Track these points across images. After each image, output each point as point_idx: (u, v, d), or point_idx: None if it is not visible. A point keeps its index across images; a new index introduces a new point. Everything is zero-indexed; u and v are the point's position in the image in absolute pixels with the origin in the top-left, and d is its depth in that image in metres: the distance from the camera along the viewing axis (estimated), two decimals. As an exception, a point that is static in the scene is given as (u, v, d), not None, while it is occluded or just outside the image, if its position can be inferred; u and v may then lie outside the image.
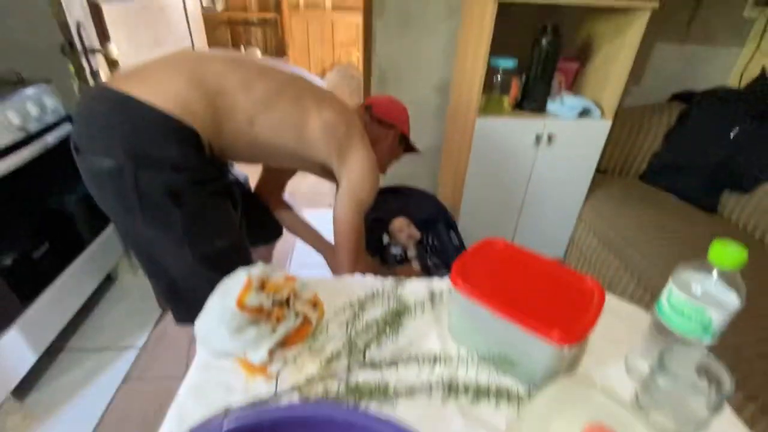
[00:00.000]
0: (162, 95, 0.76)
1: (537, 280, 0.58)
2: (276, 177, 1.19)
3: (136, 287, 1.73)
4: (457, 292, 0.56)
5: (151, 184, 0.77)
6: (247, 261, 0.95)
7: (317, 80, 1.00)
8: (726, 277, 0.47)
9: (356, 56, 3.70)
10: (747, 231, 1.56)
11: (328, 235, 1.26)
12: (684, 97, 1.91)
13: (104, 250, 1.59)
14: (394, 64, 1.83)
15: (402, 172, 2.09)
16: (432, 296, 0.70)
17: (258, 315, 0.56)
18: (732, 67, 1.94)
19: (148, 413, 1.25)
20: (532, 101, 1.61)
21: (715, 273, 0.47)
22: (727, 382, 0.42)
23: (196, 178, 0.81)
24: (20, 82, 1.32)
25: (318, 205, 2.51)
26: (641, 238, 1.49)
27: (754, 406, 0.99)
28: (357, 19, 3.48)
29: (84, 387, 1.32)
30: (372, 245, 1.53)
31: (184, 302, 0.96)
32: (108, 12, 1.24)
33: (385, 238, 1.63)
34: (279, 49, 3.56)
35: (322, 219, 2.38)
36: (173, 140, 0.76)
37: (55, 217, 1.38)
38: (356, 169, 0.95)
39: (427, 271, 1.49)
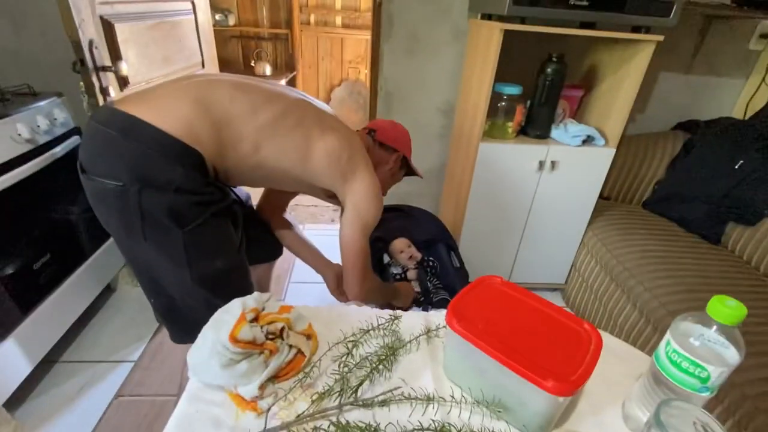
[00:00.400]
0: (169, 119, 0.77)
1: (534, 321, 0.58)
2: (278, 197, 1.19)
3: (135, 298, 1.73)
4: (453, 332, 0.55)
5: (154, 205, 0.78)
6: (246, 282, 0.96)
7: (321, 104, 1.01)
8: (725, 331, 0.46)
9: (364, 73, 3.74)
10: (752, 264, 1.54)
11: (329, 252, 1.26)
12: (688, 127, 1.91)
13: (106, 260, 1.59)
14: (400, 86, 1.85)
15: (405, 191, 2.10)
16: (428, 331, 0.69)
17: (251, 348, 0.56)
18: (737, 97, 1.95)
19: (140, 427, 1.23)
20: (536, 128, 1.61)
21: (714, 327, 0.46)
22: (725, 442, 0.41)
23: (199, 200, 0.81)
24: (32, 95, 1.35)
25: (319, 220, 2.52)
26: (643, 269, 1.48)
27: None
28: (366, 36, 3.53)
29: (76, 400, 1.31)
30: (372, 264, 1.53)
31: (181, 322, 0.96)
32: (120, 30, 1.26)
33: (386, 258, 1.62)
34: (289, 65, 3.61)
35: (323, 235, 2.38)
36: (179, 163, 0.77)
37: (58, 227, 1.38)
38: (360, 194, 0.96)
39: (426, 293, 1.47)
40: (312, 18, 3.50)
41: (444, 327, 0.67)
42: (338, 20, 3.53)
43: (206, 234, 0.85)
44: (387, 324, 0.68)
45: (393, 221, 1.71)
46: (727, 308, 0.45)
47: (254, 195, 1.20)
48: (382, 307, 1.35)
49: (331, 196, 1.01)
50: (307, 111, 0.93)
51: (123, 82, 1.27)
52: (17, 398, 1.27)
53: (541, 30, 1.34)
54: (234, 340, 0.54)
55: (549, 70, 1.50)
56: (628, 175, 1.91)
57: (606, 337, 0.70)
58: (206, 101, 0.81)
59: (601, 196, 1.85)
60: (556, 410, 0.51)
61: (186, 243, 0.82)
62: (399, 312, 0.71)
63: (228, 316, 0.57)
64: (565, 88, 1.60)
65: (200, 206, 0.82)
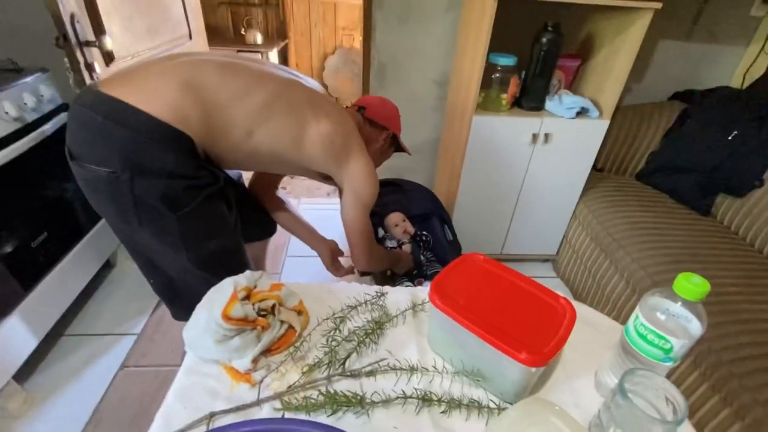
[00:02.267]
0: (158, 103, 0.76)
1: (512, 296, 0.60)
2: (270, 176, 1.20)
3: (135, 273, 1.74)
4: (436, 308, 0.58)
5: (147, 191, 0.78)
6: (241, 260, 0.98)
7: (312, 83, 1.00)
8: (689, 306, 0.49)
9: (359, 40, 3.64)
10: (738, 234, 1.57)
11: (326, 226, 1.29)
12: (685, 97, 1.89)
13: (103, 236, 1.61)
14: (393, 56, 1.81)
15: (400, 166, 2.10)
16: (414, 306, 0.72)
17: (243, 324, 0.58)
18: (736, 66, 1.91)
19: (144, 398, 1.30)
20: (531, 99, 1.60)
21: (679, 302, 0.49)
22: (683, 408, 0.45)
23: (192, 184, 0.82)
24: (17, 71, 1.32)
25: (315, 194, 2.53)
26: (632, 240, 1.51)
27: (740, 425, 1.00)
28: (360, 2, 3.41)
29: (83, 372, 1.37)
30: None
31: (180, 301, 0.99)
32: (102, 2, 1.22)
33: (380, 232, 1.65)
34: (280, 32, 3.50)
35: (319, 209, 2.40)
36: (170, 149, 0.77)
37: (54, 204, 1.40)
38: (357, 176, 0.97)
39: (419, 266, 1.51)
40: (303, -18, 3.37)
41: (428, 302, 0.70)
42: (331, -15, 3.40)
43: (200, 217, 0.86)
44: (374, 300, 0.70)
45: (388, 196, 1.72)
46: (691, 285, 0.47)
47: (246, 173, 1.20)
48: (385, 273, 1.37)
49: (327, 178, 1.02)
50: (299, 92, 0.92)
51: (108, 57, 1.24)
52: (26, 371, 1.33)
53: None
54: (226, 317, 0.56)
55: (544, 39, 1.47)
56: (622, 146, 1.90)
57: (583, 309, 0.74)
58: (195, 84, 0.80)
59: (594, 168, 1.86)
60: (530, 379, 0.55)
61: (181, 227, 0.83)
62: (386, 288, 0.74)
63: (220, 294, 0.60)
64: (561, 58, 1.57)
65: (193, 190, 0.83)
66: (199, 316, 0.59)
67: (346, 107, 1.13)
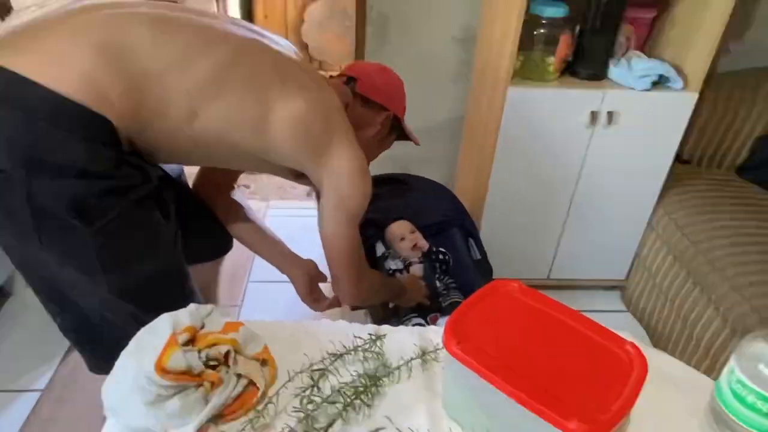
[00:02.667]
0: (63, 74, 0.75)
1: (560, 342, 0.61)
2: (222, 171, 1.20)
3: (40, 305, 1.78)
4: (452, 358, 0.58)
5: (50, 196, 0.77)
6: (183, 289, 0.99)
7: (282, 43, 1.01)
8: (805, 356, 0.49)
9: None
10: None
11: (303, 239, 1.30)
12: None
13: (-5, 255, 1.63)
14: (397, 5, 1.84)
15: (406, 155, 2.11)
16: (423, 353, 0.72)
17: (185, 380, 0.59)
18: None
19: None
20: (588, 65, 1.62)
21: (791, 350, 0.49)
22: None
23: (111, 185, 0.82)
24: None
25: (289, 195, 2.54)
26: (732, 259, 1.51)
27: None
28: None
29: (-33, 442, 1.38)
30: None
31: (99, 345, 0.99)
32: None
33: (380, 248, 1.66)
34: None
35: (294, 216, 2.41)
36: (79, 136, 0.76)
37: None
38: (341, 174, 0.97)
39: (435, 296, 1.51)
40: None
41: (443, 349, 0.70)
42: None
43: (124, 230, 0.85)
44: (368, 345, 0.71)
45: (389, 198, 1.74)
46: (807, 326, 0.47)
47: (189, 168, 1.21)
48: (386, 305, 1.37)
49: (301, 176, 1.03)
50: (262, 57, 0.92)
51: (3, 8, 1.27)
52: None
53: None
54: (162, 370, 0.57)
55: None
56: (717, 129, 1.92)
57: (660, 358, 0.74)
58: (117, 47, 0.79)
59: (678, 160, 1.87)
60: (584, 457, 0.55)
61: (98, 244, 0.83)
62: (385, 328, 0.75)
63: (154, 337, 0.61)
64: (629, 7, 1.60)
65: (113, 194, 0.82)
66: (124, 367, 0.60)
67: (331, 77, 1.14)
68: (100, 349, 0.99)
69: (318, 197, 1.02)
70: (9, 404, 1.48)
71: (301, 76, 0.95)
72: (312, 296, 1.26)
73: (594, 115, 1.61)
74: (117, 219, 0.83)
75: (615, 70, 1.63)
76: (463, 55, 1.93)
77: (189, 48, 0.85)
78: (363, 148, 1.03)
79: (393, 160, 2.10)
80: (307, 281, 1.25)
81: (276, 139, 0.91)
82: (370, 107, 1.13)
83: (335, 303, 1.27)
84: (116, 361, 0.62)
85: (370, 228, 1.62)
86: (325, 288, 1.29)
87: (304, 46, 3.86)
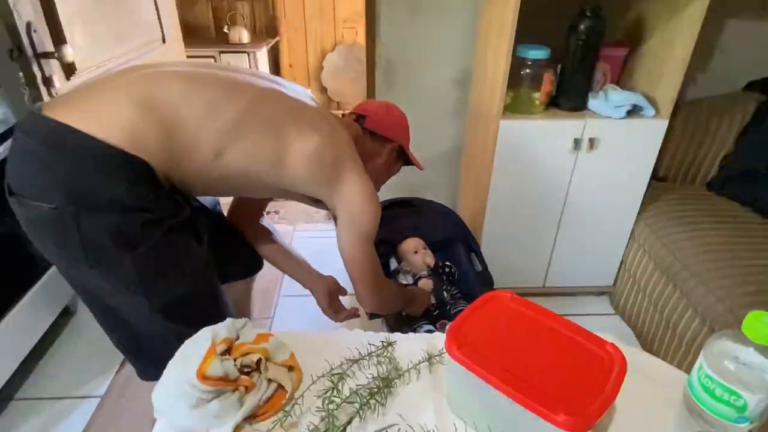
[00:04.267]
0: (106, 125, 0.78)
1: (549, 344, 0.61)
2: (251, 201, 1.22)
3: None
4: (454, 361, 0.59)
5: (96, 229, 0.79)
6: (218, 305, 1.00)
7: (297, 90, 1.04)
8: (765, 352, 0.49)
9: (363, 35, 3.75)
10: (844, 256, 1.54)
11: (327, 258, 1.29)
12: (763, 86, 1.89)
13: (61, 279, 1.66)
14: (403, 53, 1.87)
15: (414, 181, 2.13)
16: (431, 357, 0.73)
17: (223, 385, 0.60)
18: (825, 47, 1.91)
19: (109, 476, 1.31)
20: (570, 98, 1.63)
21: (751, 347, 0.49)
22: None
23: (150, 218, 0.83)
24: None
25: (314, 219, 2.56)
26: (707, 265, 1.49)
27: None
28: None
29: (35, 443, 1.39)
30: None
31: (147, 357, 1.00)
32: (63, 7, 1.31)
33: (393, 263, 1.66)
34: (270, 29, 3.64)
35: (319, 237, 2.42)
36: (121, 177, 0.79)
37: (3, 242, 1.45)
38: (352, 201, 0.98)
39: (442, 305, 1.51)
40: (295, -31, 3.53)
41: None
42: (328, -29, 3.55)
43: (162, 255, 0.87)
44: (381, 351, 0.72)
45: (400, 219, 1.75)
46: (764, 325, 0.47)
47: (224, 199, 1.23)
48: (399, 315, 1.35)
49: (318, 201, 1.05)
50: (279, 103, 0.95)
51: (69, 69, 1.32)
52: (-31, 443, 1.36)
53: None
54: (203, 377, 0.58)
55: (582, 27, 1.51)
56: (687, 150, 1.90)
57: (640, 357, 0.74)
58: (152, 100, 0.82)
59: (655, 177, 1.85)
60: (573, 447, 0.54)
61: (139, 268, 0.84)
62: (395, 336, 0.75)
63: (195, 348, 0.62)
64: (604, 47, 1.60)
65: (151, 225, 0.83)
66: (170, 375, 0.61)
67: (343, 115, 1.16)
68: (149, 360, 1.00)
69: (335, 221, 1.04)
70: (74, 409, 1.49)
71: (314, 117, 0.97)
72: (332, 308, 1.26)
73: (577, 142, 1.61)
74: (155, 246, 0.85)
75: (594, 102, 1.63)
76: (460, 93, 1.95)
77: (214, 98, 0.87)
78: (372, 175, 1.05)
79: (404, 186, 2.12)
80: (327, 295, 1.25)
81: (293, 172, 0.93)
82: (378, 140, 1.15)
83: (353, 314, 1.27)
84: (164, 370, 0.64)
85: (384, 246, 1.63)
86: (347, 301, 1.30)
87: (323, 90, 3.92)
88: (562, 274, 1.91)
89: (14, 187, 0.82)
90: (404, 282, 1.57)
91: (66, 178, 0.77)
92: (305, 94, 1.05)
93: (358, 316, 1.29)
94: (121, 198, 0.79)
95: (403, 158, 1.25)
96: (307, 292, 1.30)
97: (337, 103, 3.99)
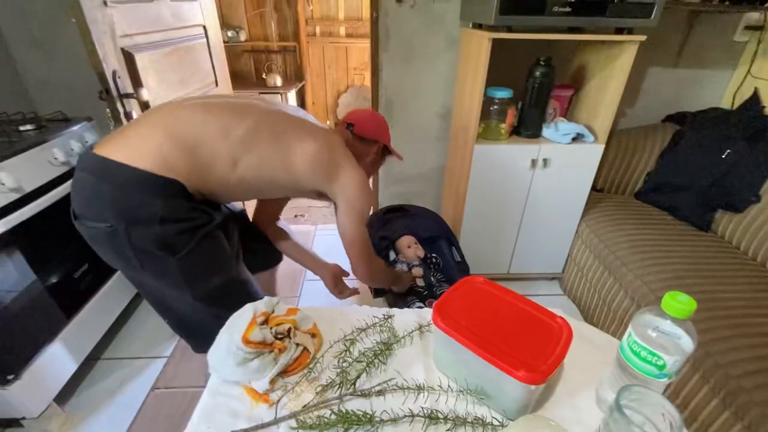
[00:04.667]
0: (140, 154, 0.78)
1: (511, 316, 0.61)
2: (270, 207, 1.21)
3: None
4: (438, 329, 0.59)
5: (143, 239, 0.79)
6: (248, 290, 0.98)
7: (296, 110, 1.01)
8: (679, 324, 0.49)
9: (369, 79, 3.76)
10: (740, 249, 1.53)
11: (339, 251, 1.28)
12: (677, 118, 1.89)
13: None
14: (399, 92, 1.87)
15: (408, 191, 2.13)
16: (420, 327, 0.72)
17: (261, 347, 0.60)
18: (725, 88, 1.91)
19: (174, 418, 1.30)
20: (528, 128, 1.62)
21: (668, 320, 0.49)
22: (678, 422, 0.44)
23: (185, 227, 0.82)
24: (65, 121, 1.42)
25: (331, 221, 2.56)
26: (634, 257, 1.48)
27: (741, 426, 0.98)
28: (368, 45, 3.55)
29: (117, 393, 1.39)
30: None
31: (195, 336, 0.99)
32: (140, 59, 1.32)
33: (391, 255, 1.66)
34: (298, 75, 3.65)
35: (336, 236, 2.40)
36: (158, 195, 0.78)
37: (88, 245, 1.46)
38: (349, 188, 0.96)
39: (430, 288, 1.51)
40: (317, 29, 3.53)
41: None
42: (342, 30, 3.55)
43: (199, 255, 0.85)
44: (382, 322, 0.71)
45: (397, 220, 1.74)
46: (678, 303, 0.47)
47: (248, 207, 1.22)
48: (398, 296, 1.31)
49: (322, 195, 1.02)
50: (281, 120, 0.93)
51: (145, 106, 1.33)
52: (66, 393, 1.35)
53: (527, 37, 1.35)
54: (246, 341, 0.58)
55: (537, 73, 1.51)
56: (619, 167, 1.90)
57: (583, 327, 0.73)
58: (176, 129, 0.82)
59: (594, 189, 1.85)
60: (531, 396, 0.54)
61: (181, 268, 0.84)
62: (393, 310, 0.75)
63: (240, 320, 0.62)
64: (554, 88, 1.60)
65: (188, 233, 0.82)
66: (221, 340, 0.61)
67: (336, 124, 1.13)
68: (197, 338, 1.00)
69: (336, 210, 1.01)
70: (146, 366, 1.50)
71: (310, 127, 0.96)
72: (337, 288, 1.24)
73: (534, 161, 1.61)
74: (193, 249, 0.84)
75: (547, 131, 1.63)
76: (443, 124, 1.95)
77: (226, 121, 0.86)
78: (364, 169, 1.03)
79: (399, 195, 2.12)
80: (332, 277, 1.24)
81: (299, 171, 0.91)
82: (365, 142, 1.11)
83: (354, 292, 1.26)
84: (211, 344, 0.63)
85: (384, 241, 1.63)
86: (349, 283, 1.29)
87: (338, 122, 3.92)
88: (522, 263, 1.90)
89: (77, 212, 0.82)
90: (401, 268, 1.57)
91: (114, 202, 0.77)
92: (304, 113, 1.02)
93: (358, 293, 1.27)
94: (158, 212, 0.78)
95: (387, 153, 1.21)
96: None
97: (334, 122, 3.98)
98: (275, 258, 1.29)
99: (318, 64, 3.67)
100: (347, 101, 3.82)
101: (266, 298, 0.68)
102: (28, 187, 1.17)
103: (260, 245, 1.19)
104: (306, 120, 0.98)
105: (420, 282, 1.53)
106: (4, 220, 1.09)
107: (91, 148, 0.81)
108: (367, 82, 3.77)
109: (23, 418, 1.19)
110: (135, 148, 0.79)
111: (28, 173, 1.18)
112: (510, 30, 1.36)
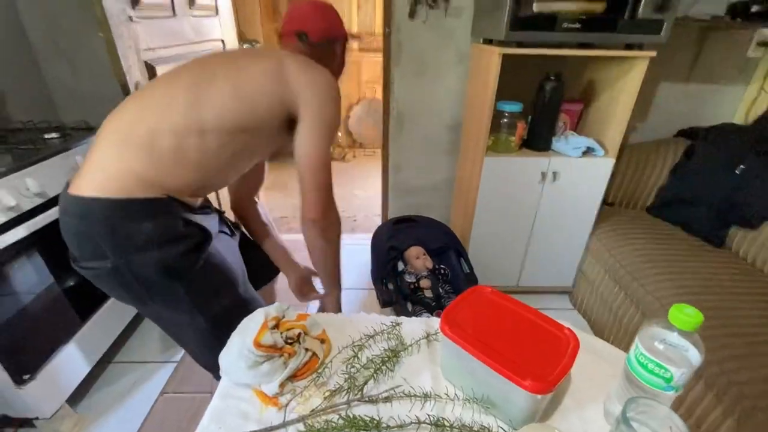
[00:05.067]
0: (109, 180, 0.71)
1: (518, 327, 0.61)
2: (246, 183, 1.09)
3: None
4: (446, 338, 0.59)
5: (146, 268, 0.74)
6: (255, 304, 0.92)
7: (238, 49, 0.97)
8: (686, 336, 0.49)
9: (380, 92, 3.82)
10: (755, 266, 1.50)
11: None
12: (689, 134, 1.88)
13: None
14: (410, 106, 1.90)
15: (417, 203, 2.15)
16: (428, 335, 0.73)
17: (272, 351, 0.61)
18: (738, 104, 1.90)
19: (182, 422, 1.32)
20: (538, 141, 1.63)
21: (675, 332, 0.49)
22: (685, 435, 0.44)
23: (186, 248, 0.77)
24: (88, 129, 1.47)
25: (367, 229, 2.55)
26: (646, 272, 1.46)
27: None
28: (380, 59, 3.61)
29: (127, 396, 1.41)
30: (387, 271, 1.58)
31: (216, 369, 0.96)
32: (161, 71, 1.37)
33: (400, 266, 1.67)
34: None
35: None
36: (145, 219, 0.72)
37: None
38: (311, 91, 0.81)
39: (438, 299, 1.51)
40: (330, 43, 3.62)
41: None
42: (355, 44, 3.63)
43: (204, 277, 0.81)
44: (390, 329, 0.72)
45: (406, 231, 1.76)
46: (685, 315, 0.47)
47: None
48: (394, 300, 1.21)
49: (292, 128, 0.85)
50: (221, 59, 0.83)
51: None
52: (78, 395, 1.38)
53: (537, 52, 1.37)
54: (257, 344, 0.60)
55: (547, 88, 1.52)
56: (631, 181, 1.89)
57: (591, 339, 0.73)
58: (126, 132, 0.74)
59: (605, 203, 1.84)
60: (537, 406, 0.55)
61: (190, 293, 0.79)
62: (401, 318, 0.76)
63: (252, 323, 0.63)
64: (564, 102, 1.61)
65: (190, 254, 0.78)
66: (233, 342, 0.63)
67: (283, 39, 0.95)
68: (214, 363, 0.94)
69: (296, 133, 0.85)
70: (157, 370, 1.52)
71: (256, 52, 0.87)
72: (301, 291, 1.16)
73: (543, 175, 1.61)
74: (199, 271, 0.80)
75: (557, 144, 1.63)
76: (452, 137, 1.97)
77: (164, 96, 0.77)
78: (334, 73, 0.90)
79: (409, 206, 2.14)
80: (297, 280, 1.15)
81: (257, 94, 0.78)
82: (326, 46, 0.94)
83: (318, 297, 1.16)
84: (217, 363, 0.63)
85: (393, 251, 1.64)
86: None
87: (349, 133, 3.98)
88: (532, 276, 1.89)
89: (74, 255, 0.79)
90: (408, 280, 1.57)
91: (103, 238, 0.72)
92: (245, 48, 0.97)
93: (321, 297, 1.14)
94: (152, 236, 0.73)
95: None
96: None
97: (360, 143, 4.03)
98: (273, 272, 1.19)
99: (331, 76, 3.75)
100: (359, 114, 3.87)
101: (277, 303, 0.69)
102: (51, 193, 1.22)
103: (256, 260, 1.10)
104: (246, 51, 0.87)
105: (428, 293, 1.53)
106: (29, 223, 1.14)
107: (67, 186, 0.75)
108: (379, 95, 3.82)
109: (36, 419, 1.22)
110: (102, 175, 0.72)
111: (52, 179, 1.22)
112: (520, 45, 1.38)
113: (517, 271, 1.88)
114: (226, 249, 0.90)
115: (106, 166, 0.73)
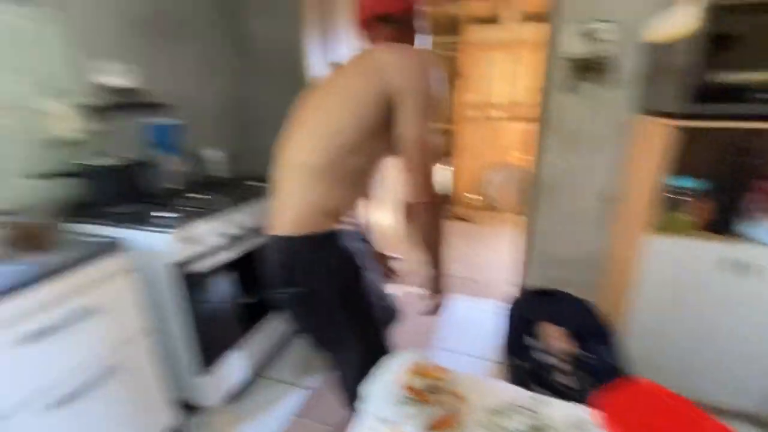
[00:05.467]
0: (287, 222, 0.88)
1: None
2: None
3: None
4: None
5: (327, 292, 0.89)
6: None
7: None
8: None
9: (515, 156, 3.81)
10: None
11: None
12: None
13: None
14: (560, 176, 1.86)
15: (553, 276, 1.99)
16: (581, 424, 0.66)
17: (420, 397, 0.65)
18: None
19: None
20: (722, 224, 1.38)
21: None
22: None
23: (350, 273, 0.90)
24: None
25: (492, 294, 2.47)
26: None
27: None
28: (519, 125, 3.65)
29: (267, 410, 1.57)
30: (514, 341, 1.49)
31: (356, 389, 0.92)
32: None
33: (527, 340, 1.54)
34: (446, 152, 3.95)
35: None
36: (321, 249, 0.87)
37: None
38: (404, 70, 0.82)
39: (581, 393, 1.32)
40: (471, 113, 3.83)
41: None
42: (494, 113, 3.77)
43: (362, 294, 0.92)
44: (534, 405, 0.68)
45: (542, 304, 1.64)
46: None
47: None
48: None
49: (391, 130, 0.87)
50: (321, 99, 0.93)
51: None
52: (233, 397, 1.60)
53: (721, 125, 1.21)
54: (410, 387, 0.64)
55: (735, 163, 1.31)
56: None
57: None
58: (298, 167, 0.89)
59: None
60: None
61: (344, 308, 0.91)
62: (549, 399, 0.71)
63: (395, 363, 0.68)
64: (761, 180, 1.34)
65: (351, 278, 0.90)
66: (381, 377, 0.68)
67: (365, 25, 0.96)
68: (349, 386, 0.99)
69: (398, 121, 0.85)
70: (294, 392, 1.64)
71: (356, 65, 0.92)
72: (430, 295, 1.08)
73: (732, 264, 1.33)
74: (360, 286, 0.92)
75: (750, 230, 1.34)
76: (600, 210, 1.82)
77: (289, 142, 0.94)
78: (412, 49, 0.89)
79: (545, 279, 1.99)
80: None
81: (359, 93, 0.85)
82: (409, 20, 0.94)
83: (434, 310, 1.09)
84: (376, 372, 0.70)
85: (521, 322, 1.54)
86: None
87: (482, 197, 3.99)
88: (701, 387, 1.50)
89: (273, 282, 0.95)
90: (541, 360, 1.43)
91: (292, 269, 0.89)
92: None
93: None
94: (331, 263, 0.88)
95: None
96: (455, 350, 1.25)
97: (492, 207, 3.99)
98: (393, 313, 1.19)
99: (470, 141, 3.91)
100: (496, 179, 3.88)
101: (420, 351, 0.73)
102: (252, 225, 1.57)
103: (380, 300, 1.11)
104: (352, 61, 0.92)
105: (562, 378, 1.36)
106: (235, 248, 1.49)
107: (269, 226, 0.95)
108: (514, 160, 3.80)
109: (201, 407, 1.46)
110: (281, 218, 0.90)
111: (253, 217, 1.59)
112: (698, 117, 1.24)
113: (684, 376, 1.52)
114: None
115: (285, 212, 0.90)
